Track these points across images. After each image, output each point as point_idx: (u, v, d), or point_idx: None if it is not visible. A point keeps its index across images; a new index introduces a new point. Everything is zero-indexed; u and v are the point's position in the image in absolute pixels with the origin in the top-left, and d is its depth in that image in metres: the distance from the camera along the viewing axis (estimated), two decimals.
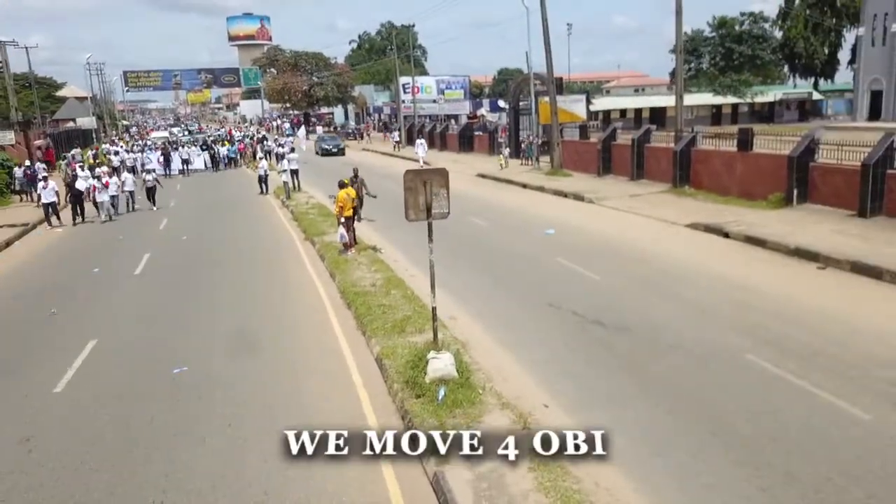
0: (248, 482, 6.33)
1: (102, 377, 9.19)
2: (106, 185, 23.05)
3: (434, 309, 8.19)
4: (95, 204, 23.01)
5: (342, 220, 14.75)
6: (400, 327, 9.76)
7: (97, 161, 35.81)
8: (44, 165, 31.90)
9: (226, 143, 46.03)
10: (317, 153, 45.26)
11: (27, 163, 30.46)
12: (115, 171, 30.68)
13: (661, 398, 7.66)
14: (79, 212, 22.74)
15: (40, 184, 22.59)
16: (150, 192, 25.07)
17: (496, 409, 7.12)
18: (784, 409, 7.25)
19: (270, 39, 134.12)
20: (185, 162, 38.39)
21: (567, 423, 7.04)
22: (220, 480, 6.38)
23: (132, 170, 33.25)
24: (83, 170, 27.65)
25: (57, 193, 22.34)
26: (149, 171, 26.80)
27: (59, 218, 22.32)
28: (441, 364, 7.58)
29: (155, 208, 24.63)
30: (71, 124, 62.78)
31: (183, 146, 44.18)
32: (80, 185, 23.00)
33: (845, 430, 6.75)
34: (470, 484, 5.81)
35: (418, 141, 39.55)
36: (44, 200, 21.96)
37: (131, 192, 25.03)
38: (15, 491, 6.40)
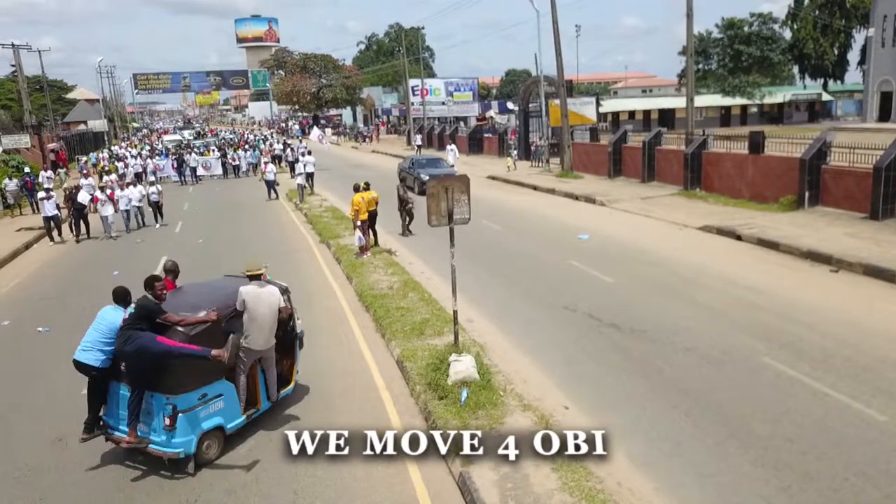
0: (277, 481, 6.50)
1: None
2: (111, 197, 20.72)
3: (455, 312, 8.35)
4: (102, 218, 20.67)
5: (358, 223, 14.94)
6: (419, 330, 9.94)
7: (107, 169, 33.02)
8: (49, 174, 29.41)
9: (238, 148, 43.28)
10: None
11: (27, 169, 28.64)
12: (125, 178, 27.92)
13: (678, 400, 7.80)
14: (82, 227, 20.61)
15: (40, 194, 20.68)
16: (156, 207, 22.50)
17: (518, 410, 7.28)
18: (800, 410, 7.38)
19: (278, 41, 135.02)
20: (194, 170, 36.14)
21: (588, 425, 7.22)
22: (252, 480, 6.55)
23: (138, 177, 30.58)
24: (87, 178, 25.87)
25: (58, 206, 20.35)
26: (152, 183, 23.15)
27: (60, 233, 20.45)
28: (463, 366, 7.74)
29: (158, 225, 22.26)
30: (82, 127, 63.27)
31: (198, 152, 41.26)
32: (83, 197, 20.47)
33: (861, 432, 6.88)
34: (496, 484, 5.98)
35: (449, 147, 35.10)
36: (45, 214, 20.10)
37: (139, 208, 22.21)
38: (54, 488, 6.60)
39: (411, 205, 17.93)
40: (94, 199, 21.11)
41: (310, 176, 27.34)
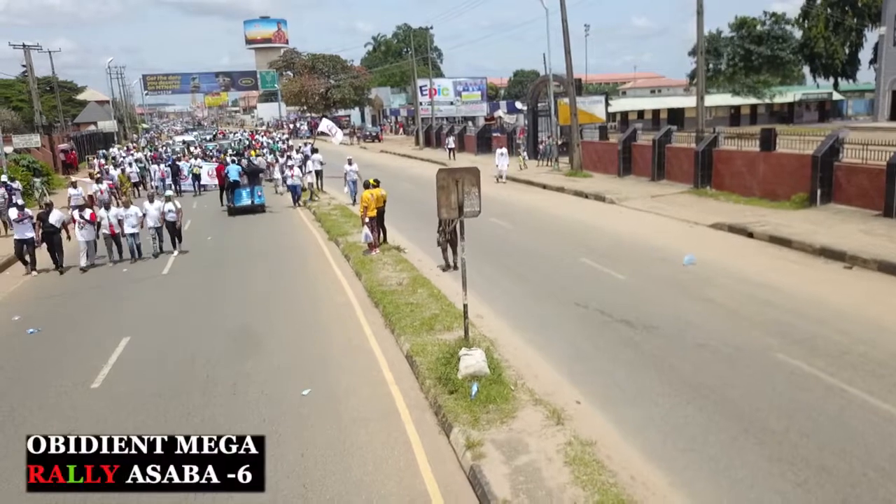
0: (286, 475, 6.45)
1: (137, 373, 9.38)
2: (92, 219, 16.05)
3: (465, 306, 8.28)
4: (80, 243, 16.10)
5: (367, 220, 14.90)
6: (428, 325, 9.87)
7: (98, 177, 26.51)
8: (16, 185, 23.76)
9: (254, 151, 37.12)
10: None
11: (3, 178, 23.67)
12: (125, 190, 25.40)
13: (690, 395, 7.70)
14: (55, 256, 16.07)
15: (12, 210, 16.53)
16: (173, 228, 17.44)
17: (529, 404, 7.20)
18: (815, 405, 7.27)
19: (287, 42, 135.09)
20: (197, 178, 31.43)
21: (601, 420, 7.15)
22: None
23: (137, 186, 27.42)
24: (75, 188, 22.14)
25: (34, 226, 15.96)
26: (168, 198, 17.74)
27: (34, 263, 16.16)
28: (473, 361, 7.67)
29: (177, 252, 17.40)
30: (92, 128, 63.58)
31: (211, 155, 37.72)
32: (55, 217, 15.90)
33: (878, 427, 6.76)
34: (507, 477, 5.90)
35: (500, 151, 30.08)
36: (18, 236, 15.94)
37: (157, 228, 17.19)
38: None
39: (454, 226, 12.28)
40: (71, 220, 16.32)
41: (318, 174, 27.21)
